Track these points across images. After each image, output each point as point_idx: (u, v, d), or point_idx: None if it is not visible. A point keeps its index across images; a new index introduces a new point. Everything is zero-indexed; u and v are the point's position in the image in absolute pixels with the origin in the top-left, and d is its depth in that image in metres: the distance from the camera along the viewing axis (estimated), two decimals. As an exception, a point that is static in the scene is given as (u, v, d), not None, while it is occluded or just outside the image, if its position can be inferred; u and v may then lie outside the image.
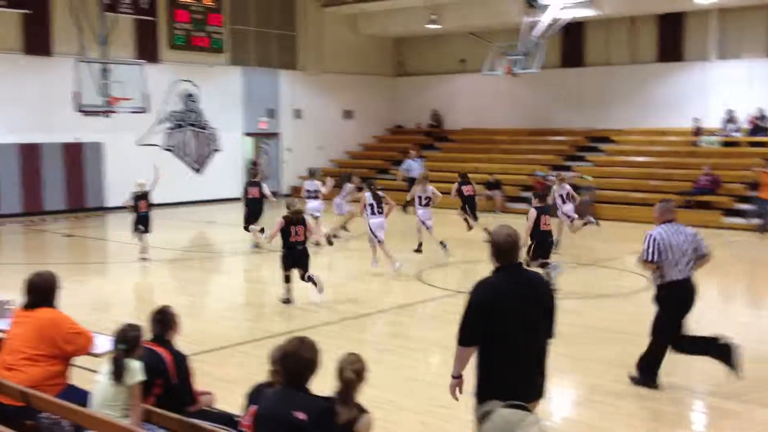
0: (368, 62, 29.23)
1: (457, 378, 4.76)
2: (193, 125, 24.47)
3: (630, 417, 6.75)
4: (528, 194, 22.28)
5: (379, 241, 13.07)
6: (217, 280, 13.83)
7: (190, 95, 24.27)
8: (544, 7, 22.75)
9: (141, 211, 14.07)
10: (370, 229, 13.13)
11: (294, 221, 10.65)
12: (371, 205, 13.16)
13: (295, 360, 3.90)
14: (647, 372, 7.38)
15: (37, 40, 20.76)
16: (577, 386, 7.82)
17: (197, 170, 24.33)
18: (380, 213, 13.22)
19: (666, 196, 20.38)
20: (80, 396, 4.93)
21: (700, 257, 7.48)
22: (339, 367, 4.39)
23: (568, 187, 15.76)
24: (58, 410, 4.48)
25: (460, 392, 4.78)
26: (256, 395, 4.33)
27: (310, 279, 10.74)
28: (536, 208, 11.96)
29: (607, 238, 18.51)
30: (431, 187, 15.37)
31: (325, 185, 16.77)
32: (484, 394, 4.52)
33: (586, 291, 12.06)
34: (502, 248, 4.63)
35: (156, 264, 14.15)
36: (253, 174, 17.05)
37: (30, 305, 5.24)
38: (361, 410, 4.39)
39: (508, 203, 22.54)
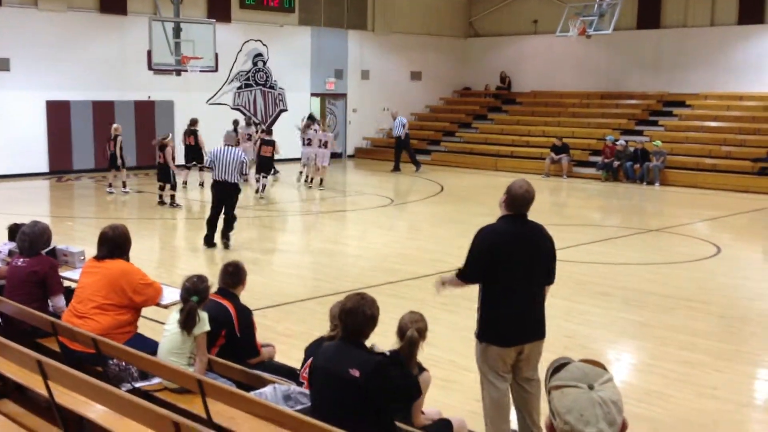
0: (438, 23, 28.90)
1: (441, 287, 5.38)
2: (261, 85, 24.69)
3: (695, 385, 6.64)
4: (597, 159, 21.93)
5: None
6: (284, 238, 14.05)
7: (259, 55, 24.46)
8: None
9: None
10: None
11: None
12: None
13: (355, 316, 3.94)
14: None
15: (112, -1, 21.16)
16: (642, 352, 7.73)
17: (265, 130, 24.60)
18: None
19: (738, 162, 19.93)
20: (148, 345, 5.11)
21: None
22: (401, 325, 4.44)
23: None
24: (126, 357, 4.65)
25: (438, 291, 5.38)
26: (314, 349, 4.42)
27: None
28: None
29: (677, 203, 18.11)
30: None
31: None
32: (483, 335, 4.99)
33: (653, 257, 11.85)
34: (518, 200, 4.92)
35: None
36: (269, 132, 19.05)
37: (102, 257, 5.42)
38: (421, 368, 4.44)
39: (575, 167, 22.16)
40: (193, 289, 4.82)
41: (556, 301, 9.15)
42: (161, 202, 15.78)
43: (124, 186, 17.69)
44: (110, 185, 17.60)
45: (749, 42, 23.05)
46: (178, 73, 20.50)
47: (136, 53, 20.29)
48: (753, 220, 16.05)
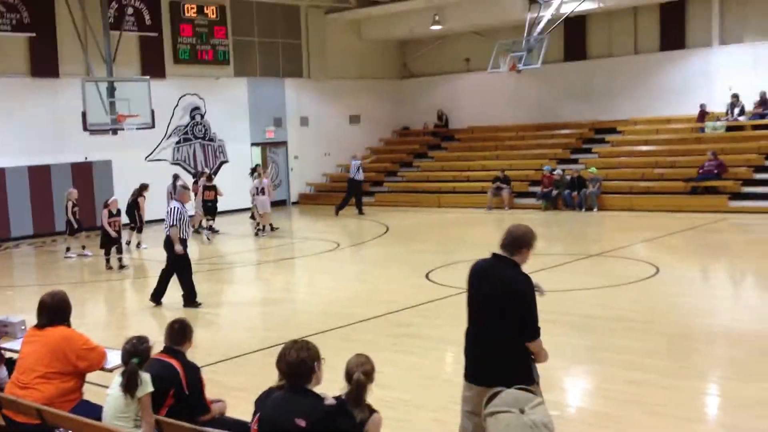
0: (373, 66, 29.35)
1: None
2: (200, 138, 24.66)
3: (643, 405, 6.78)
4: (536, 189, 22.40)
5: None
6: (231, 290, 13.95)
7: (196, 108, 24.47)
8: (547, 3, 22.82)
9: None
10: None
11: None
12: None
13: (287, 361, 3.97)
14: None
15: (43, 63, 20.96)
16: (590, 376, 7.88)
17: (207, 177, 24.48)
18: None
19: (671, 183, 20.57)
20: (94, 410, 5.04)
21: None
22: (347, 368, 4.46)
23: None
24: (72, 425, 4.59)
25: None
26: (263, 400, 4.42)
27: None
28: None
29: (615, 227, 18.56)
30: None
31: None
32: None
33: (596, 281, 12.11)
34: (515, 241, 4.95)
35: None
36: (209, 178, 20.11)
37: (42, 325, 5.35)
38: (371, 410, 4.47)
39: (516, 199, 22.57)
40: (134, 351, 4.79)
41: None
42: (109, 267, 15.59)
43: (83, 248, 17.40)
44: (68, 249, 17.44)
45: (673, 67, 23.95)
46: (115, 132, 20.35)
47: (70, 115, 20.11)
48: (689, 239, 16.53)
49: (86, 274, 15.68)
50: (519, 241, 4.89)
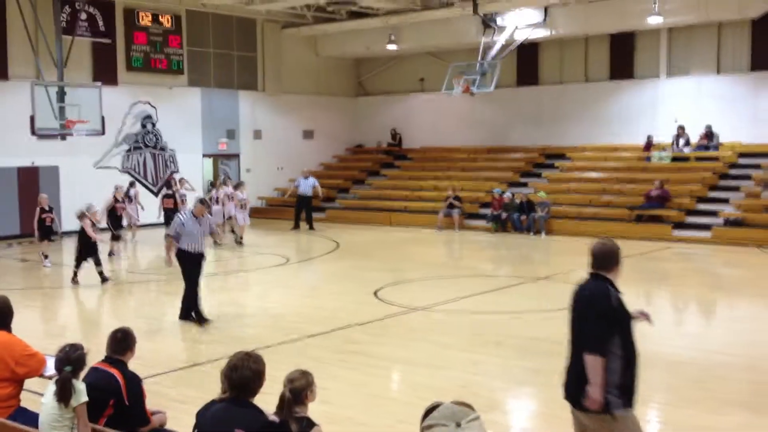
0: (328, 83, 29.43)
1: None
2: (151, 147, 24.37)
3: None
4: (486, 211, 22.65)
5: None
6: (175, 301, 13.76)
7: (148, 116, 24.19)
8: (501, 29, 23.26)
9: None
10: None
11: None
12: None
13: (240, 371, 3.96)
14: None
15: (-9, 64, 20.54)
16: (535, 398, 7.98)
17: (155, 193, 24.19)
18: None
19: (617, 211, 21.01)
20: (30, 418, 4.94)
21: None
22: (284, 382, 4.48)
23: None
24: (8, 433, 4.49)
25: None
26: (203, 413, 4.39)
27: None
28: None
29: (562, 251, 18.85)
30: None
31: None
32: None
33: (543, 304, 12.27)
34: (593, 255, 4.99)
35: (114, 287, 14.09)
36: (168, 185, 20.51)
37: (-19, 329, 5.23)
38: (311, 423, 4.47)
39: (466, 220, 22.78)
40: (66, 359, 4.70)
41: (451, 353, 9.38)
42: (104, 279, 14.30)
43: (45, 257, 16.39)
44: (46, 257, 16.38)
45: (621, 96, 24.54)
46: (63, 137, 20.02)
47: (17, 118, 19.71)
48: (632, 266, 16.83)
49: (30, 280, 15.32)
50: (596, 256, 5.01)
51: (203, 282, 11.45)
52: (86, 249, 14.19)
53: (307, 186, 23.13)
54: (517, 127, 26.35)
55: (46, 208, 16.31)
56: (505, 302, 12.55)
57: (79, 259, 14.23)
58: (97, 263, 14.24)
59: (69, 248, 17.26)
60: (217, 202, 19.87)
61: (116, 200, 18.10)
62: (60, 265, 16.32)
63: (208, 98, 25.64)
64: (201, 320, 10.97)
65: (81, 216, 14.34)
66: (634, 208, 20.74)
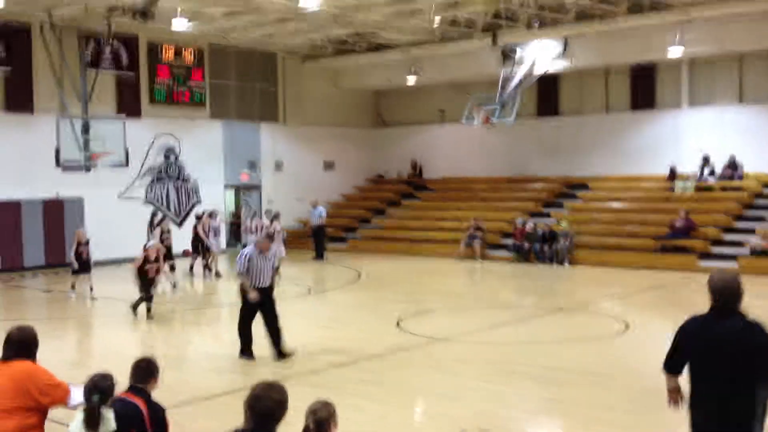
0: (348, 114, 29.63)
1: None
2: (174, 178, 24.56)
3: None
4: (508, 241, 22.55)
5: None
6: (198, 331, 13.80)
7: (171, 149, 24.41)
8: (520, 60, 23.33)
9: None
10: None
11: None
12: None
13: (263, 401, 3.95)
14: None
15: (18, 98, 20.88)
16: (552, 427, 7.87)
17: (178, 224, 24.32)
18: None
19: (641, 241, 20.84)
20: (56, 448, 4.94)
21: None
22: (306, 414, 4.44)
23: None
24: (33, 462, 4.49)
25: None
26: (227, 443, 4.37)
27: None
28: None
29: (586, 282, 18.70)
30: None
31: None
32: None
33: (565, 335, 12.15)
34: (711, 290, 4.94)
35: (137, 317, 14.14)
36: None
37: (7, 358, 5.26)
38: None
39: (488, 250, 22.70)
40: (95, 388, 4.70)
41: (472, 383, 9.30)
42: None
43: (72, 287, 16.39)
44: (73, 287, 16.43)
45: (642, 127, 24.45)
46: (88, 169, 20.25)
47: (43, 151, 19.97)
48: (658, 297, 16.68)
49: (55, 310, 15.41)
50: (722, 292, 4.95)
51: (225, 312, 11.46)
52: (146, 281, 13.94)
53: (315, 216, 23.29)
54: (537, 158, 26.32)
55: (83, 242, 16.24)
56: (526, 332, 12.44)
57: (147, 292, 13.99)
58: (149, 299, 14.03)
59: (95, 277, 17.40)
60: (252, 231, 19.76)
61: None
62: (84, 297, 16.41)
63: (230, 130, 25.88)
64: (281, 356, 10.63)
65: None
66: (659, 238, 20.56)
